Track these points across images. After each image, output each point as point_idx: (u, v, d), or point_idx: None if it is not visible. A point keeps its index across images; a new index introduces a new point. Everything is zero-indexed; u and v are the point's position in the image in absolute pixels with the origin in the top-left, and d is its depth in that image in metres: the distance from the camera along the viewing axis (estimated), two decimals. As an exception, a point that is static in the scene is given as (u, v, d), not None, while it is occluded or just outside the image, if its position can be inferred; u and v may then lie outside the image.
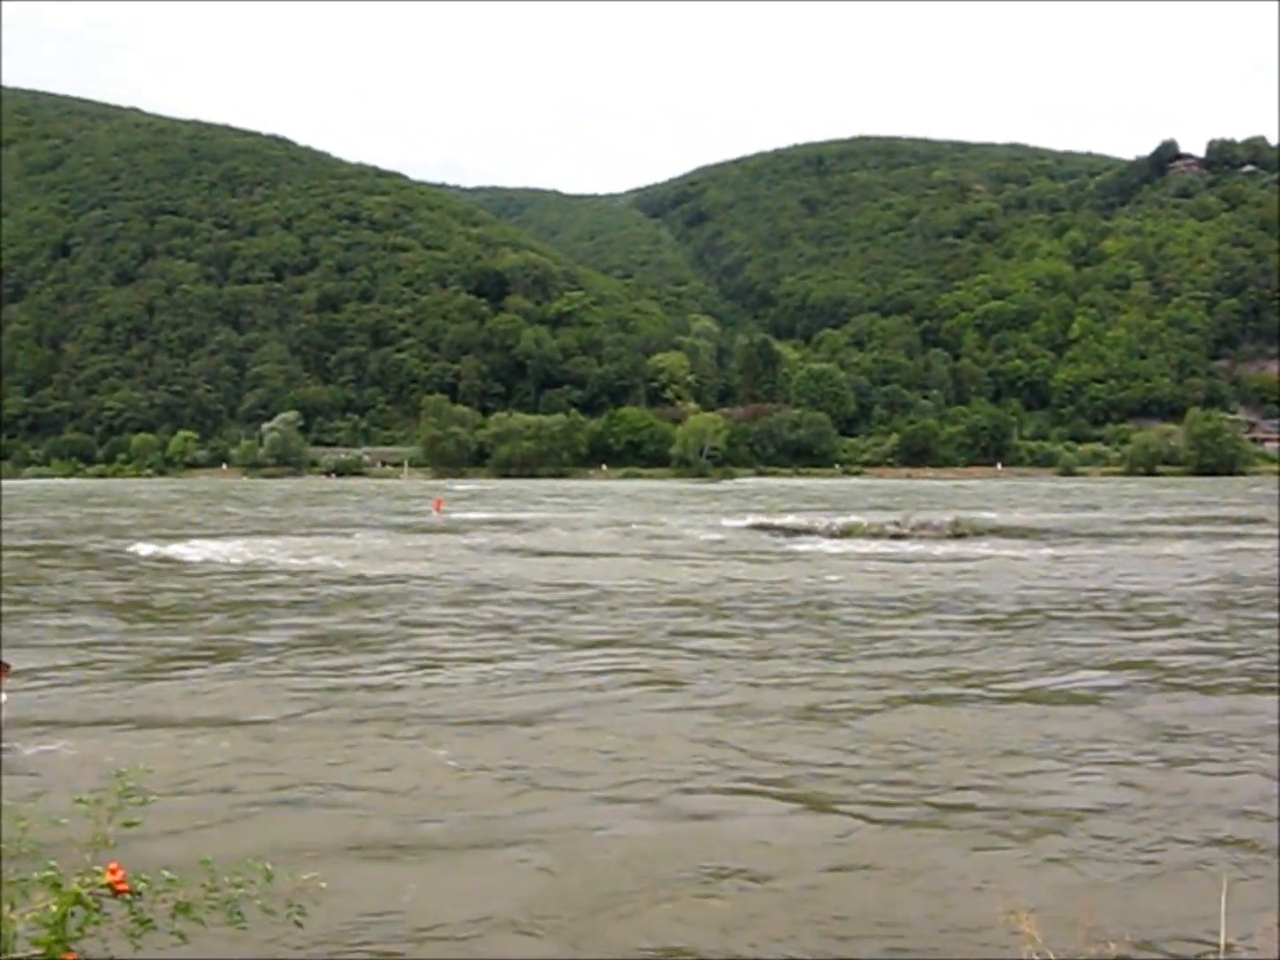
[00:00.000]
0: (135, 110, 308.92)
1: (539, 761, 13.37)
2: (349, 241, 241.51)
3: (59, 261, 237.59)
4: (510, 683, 17.83)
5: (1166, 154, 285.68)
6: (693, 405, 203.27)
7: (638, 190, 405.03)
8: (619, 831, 11.11)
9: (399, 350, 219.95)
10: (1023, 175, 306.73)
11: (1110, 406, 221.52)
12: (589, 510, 78.39)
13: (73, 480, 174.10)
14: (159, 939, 3.32)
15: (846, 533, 50.99)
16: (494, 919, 9.12)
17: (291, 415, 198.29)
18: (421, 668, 19.11)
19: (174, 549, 43.90)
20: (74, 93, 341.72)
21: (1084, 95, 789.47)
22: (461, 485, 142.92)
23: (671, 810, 11.70)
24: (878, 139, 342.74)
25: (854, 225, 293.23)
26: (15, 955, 3.23)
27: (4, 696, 15.19)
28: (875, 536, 49.32)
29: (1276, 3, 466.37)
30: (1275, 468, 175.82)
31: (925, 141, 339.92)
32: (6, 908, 3.27)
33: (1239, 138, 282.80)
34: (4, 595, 29.11)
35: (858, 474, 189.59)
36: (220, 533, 55.15)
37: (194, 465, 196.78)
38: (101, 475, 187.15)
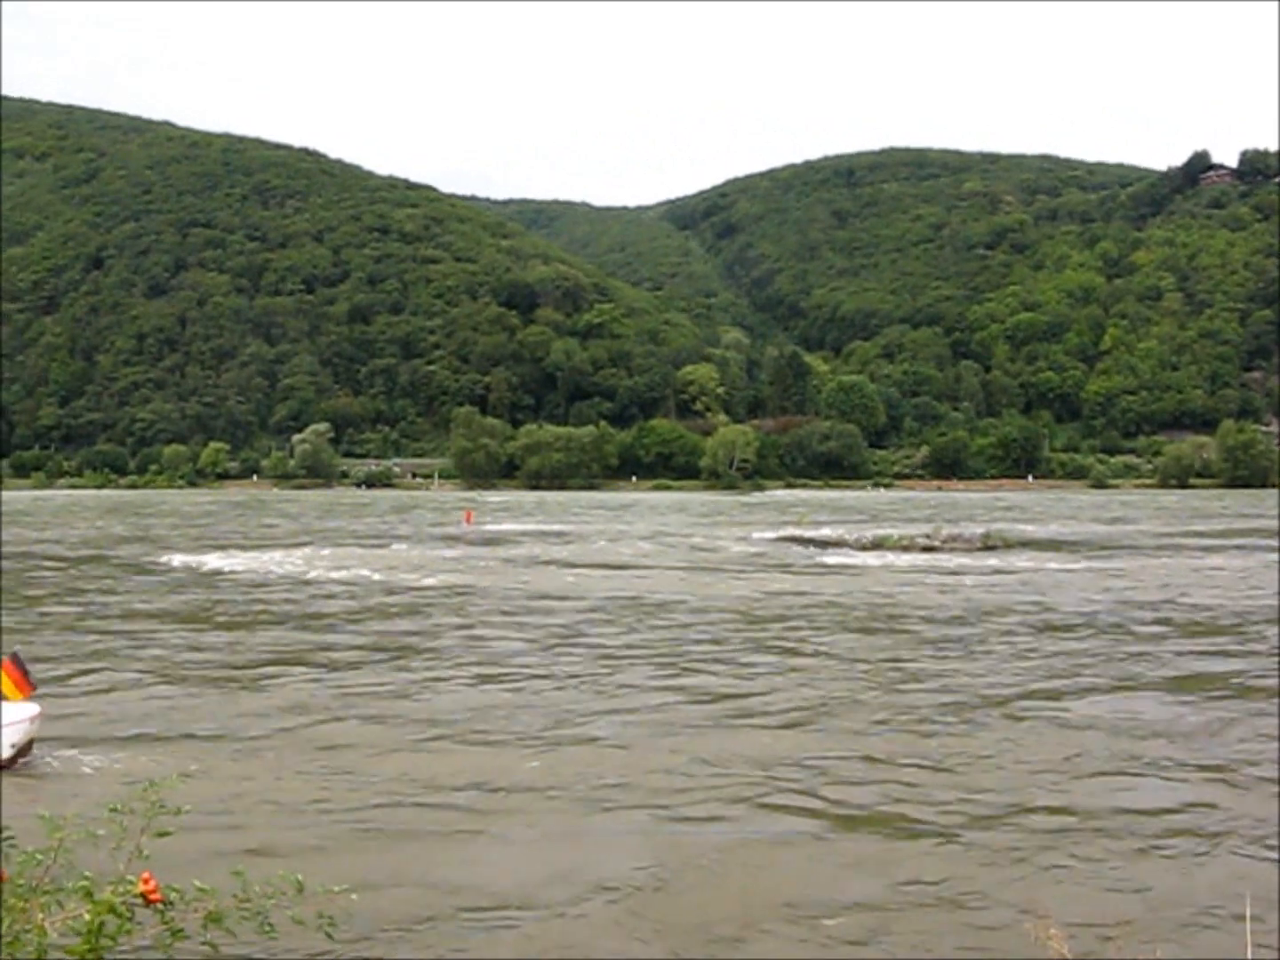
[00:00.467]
0: (168, 123, 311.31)
1: (620, 775, 13.36)
2: (380, 253, 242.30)
3: (92, 274, 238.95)
4: (584, 695, 17.84)
5: (1199, 164, 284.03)
6: (722, 417, 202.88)
7: (668, 202, 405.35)
8: (691, 847, 11.09)
9: (429, 362, 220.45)
10: (1054, 186, 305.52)
11: (1142, 418, 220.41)
12: (624, 522, 78.37)
13: (105, 491, 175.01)
14: (191, 948, 3.33)
15: (877, 545, 51.02)
16: (588, 932, 9.13)
17: (322, 427, 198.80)
18: (488, 679, 19.18)
19: (225, 561, 44.08)
20: (107, 106, 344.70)
21: (1115, 106, 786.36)
22: (493, 497, 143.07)
23: (757, 828, 11.67)
24: (908, 150, 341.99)
25: (884, 237, 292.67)
26: None
27: (36, 709, 15.27)
28: (906, 549, 49.26)
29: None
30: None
31: (955, 153, 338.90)
32: (40, 915, 3.30)
33: (1272, 147, 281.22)
34: (64, 608, 29.29)
35: (888, 486, 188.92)
36: (267, 544, 55.39)
37: (225, 476, 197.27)
38: (133, 486, 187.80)
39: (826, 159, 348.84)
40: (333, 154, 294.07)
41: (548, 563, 43.98)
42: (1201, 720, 16.30)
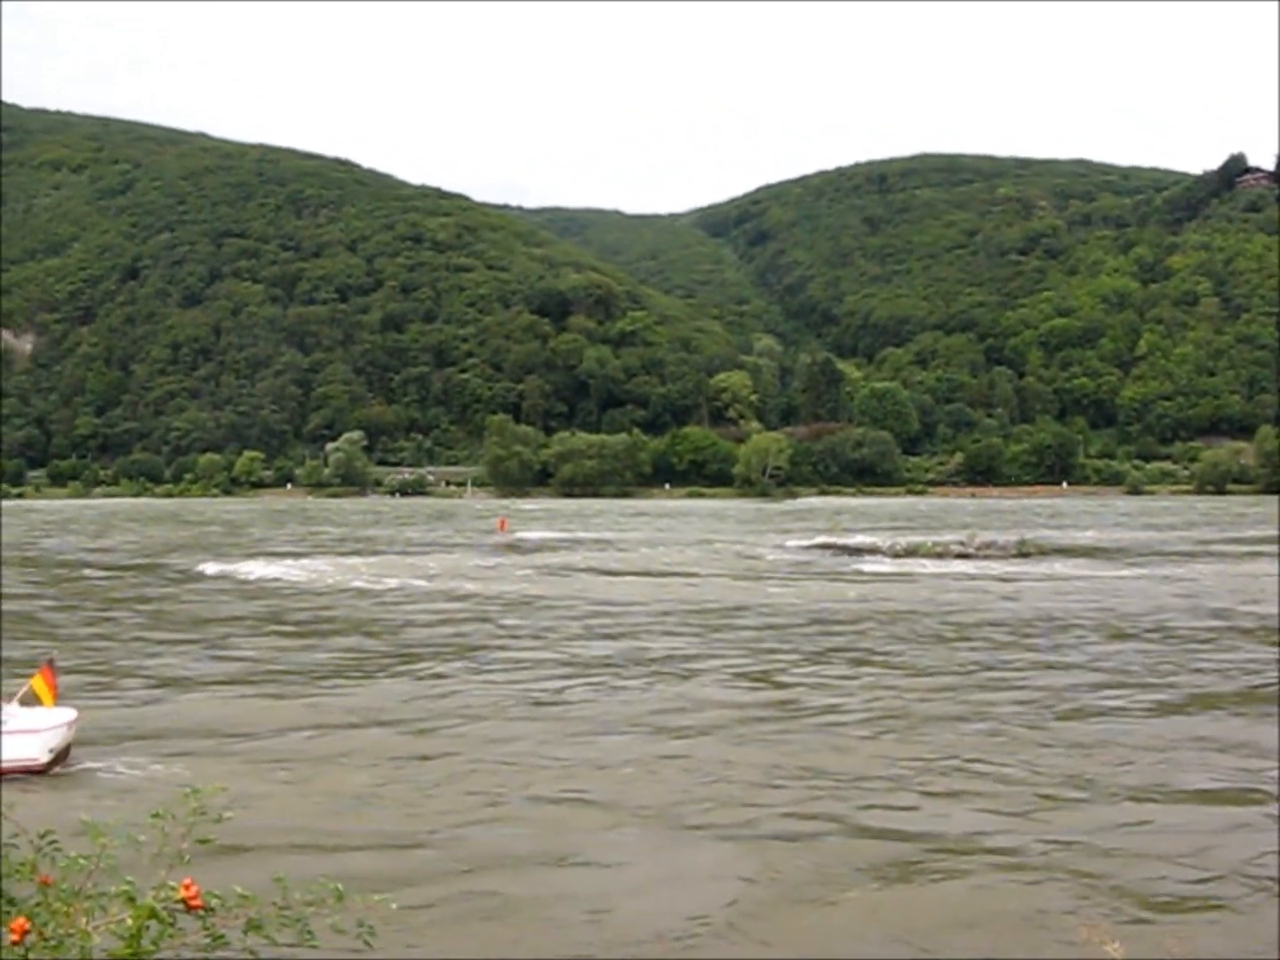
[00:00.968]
0: (202, 135, 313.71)
1: (714, 771, 13.29)
2: (413, 262, 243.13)
3: (128, 284, 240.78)
4: (669, 695, 17.76)
5: (1235, 168, 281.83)
6: (755, 424, 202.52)
7: (700, 210, 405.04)
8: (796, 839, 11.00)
9: (462, 370, 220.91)
10: (1087, 191, 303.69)
11: (1178, 424, 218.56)
12: (662, 530, 78.31)
13: (142, 500, 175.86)
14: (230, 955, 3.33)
15: (911, 552, 50.82)
16: (700, 919, 9.08)
17: (356, 435, 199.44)
18: (568, 680, 19.14)
19: (283, 570, 44.24)
20: (142, 118, 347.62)
21: (1150, 109, 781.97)
22: (527, 505, 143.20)
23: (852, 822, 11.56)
24: (940, 156, 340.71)
25: (917, 243, 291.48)
26: None
27: (74, 714, 15.25)
28: (940, 556, 49.06)
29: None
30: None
31: (989, 158, 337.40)
32: (84, 920, 3.32)
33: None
34: (133, 617, 29.39)
35: (922, 493, 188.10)
36: (320, 551, 55.65)
37: (259, 485, 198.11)
38: (169, 495, 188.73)
39: (859, 165, 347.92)
40: (366, 164, 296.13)
41: (599, 571, 43.94)
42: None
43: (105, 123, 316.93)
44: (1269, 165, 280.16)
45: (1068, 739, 15.36)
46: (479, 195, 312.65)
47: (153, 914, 3.29)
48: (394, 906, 3.77)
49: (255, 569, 44.20)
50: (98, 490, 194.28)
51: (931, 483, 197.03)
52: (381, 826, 12.20)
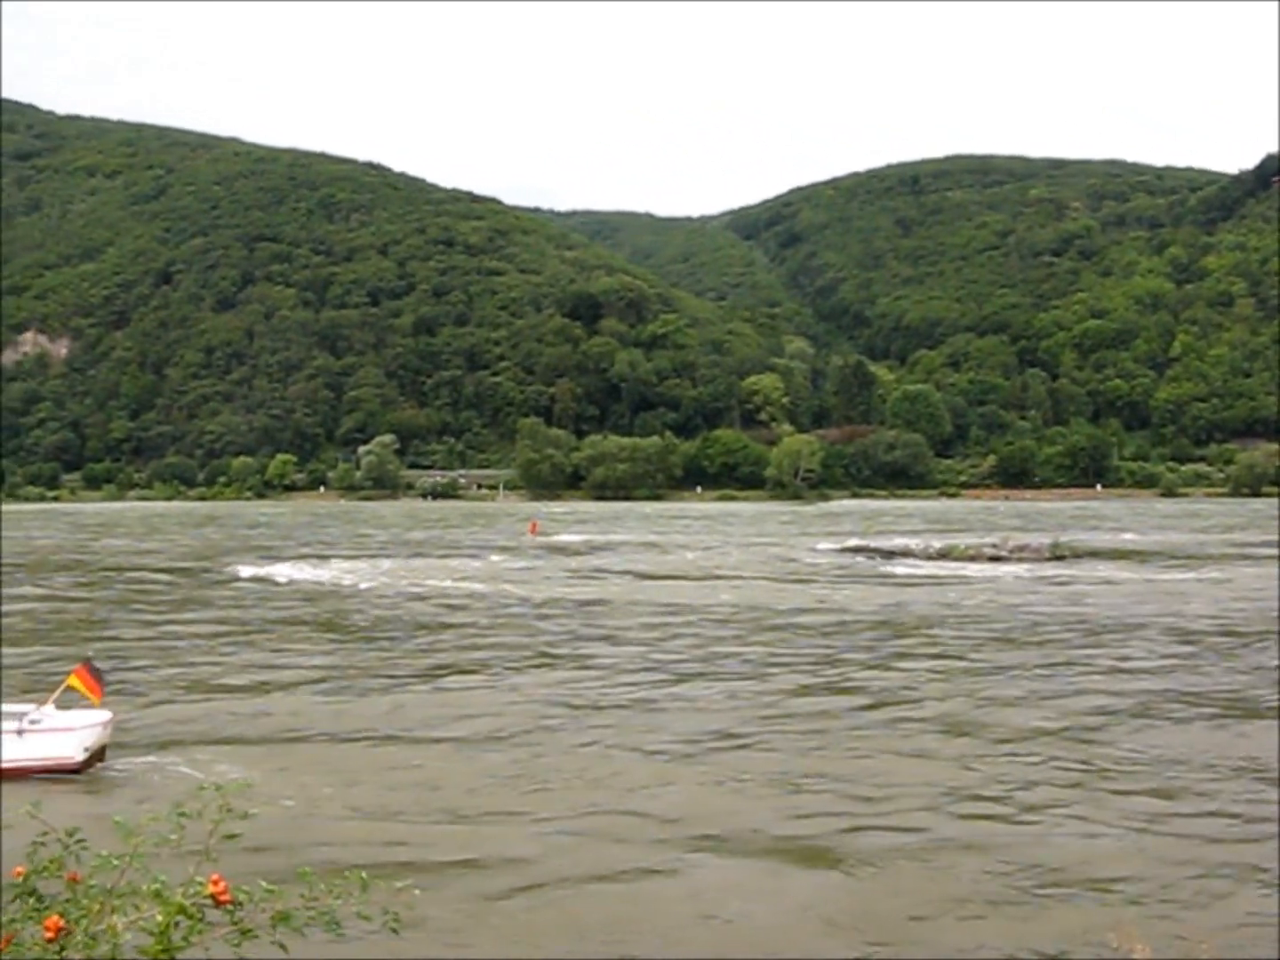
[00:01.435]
0: (235, 140, 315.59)
1: (793, 779, 13.23)
2: (444, 266, 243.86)
3: (161, 289, 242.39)
4: (738, 700, 17.69)
5: (1271, 167, 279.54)
6: (787, 427, 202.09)
7: (731, 212, 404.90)
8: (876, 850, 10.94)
9: (494, 374, 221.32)
10: (1121, 192, 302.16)
11: (1213, 426, 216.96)
12: (698, 534, 78.15)
13: (176, 503, 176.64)
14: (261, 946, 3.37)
15: (944, 554, 50.65)
16: (799, 922, 9.01)
17: (388, 438, 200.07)
18: (636, 684, 19.08)
19: (331, 573, 44.35)
20: (176, 124, 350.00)
21: (1184, 109, 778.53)
22: (559, 508, 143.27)
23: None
24: (972, 157, 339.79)
25: (949, 245, 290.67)
26: None
27: (109, 714, 15.30)
28: (973, 559, 48.88)
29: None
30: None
31: (1021, 159, 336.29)
32: (114, 917, 3.38)
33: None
34: (199, 617, 29.44)
35: (955, 495, 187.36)
36: (368, 554, 55.88)
37: (292, 488, 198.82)
38: (202, 498, 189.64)
39: (890, 167, 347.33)
40: (397, 168, 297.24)
41: (644, 575, 43.80)
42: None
43: (139, 128, 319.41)
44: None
45: (1125, 747, 15.21)
46: (510, 199, 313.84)
47: (182, 910, 3.33)
48: (417, 893, 3.80)
49: (319, 572, 44.39)
50: (132, 493, 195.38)
51: (964, 485, 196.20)
52: (452, 831, 12.14)
